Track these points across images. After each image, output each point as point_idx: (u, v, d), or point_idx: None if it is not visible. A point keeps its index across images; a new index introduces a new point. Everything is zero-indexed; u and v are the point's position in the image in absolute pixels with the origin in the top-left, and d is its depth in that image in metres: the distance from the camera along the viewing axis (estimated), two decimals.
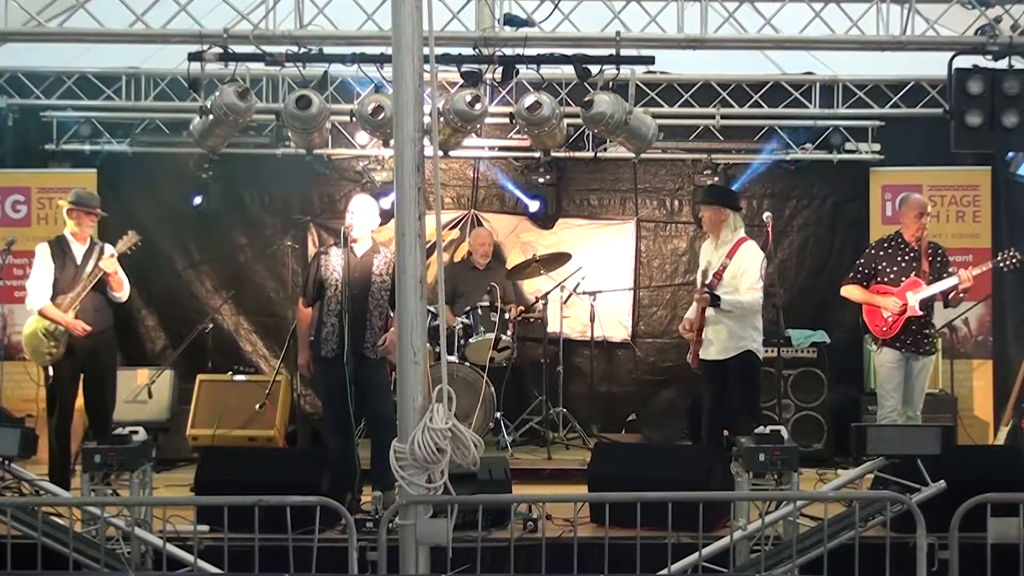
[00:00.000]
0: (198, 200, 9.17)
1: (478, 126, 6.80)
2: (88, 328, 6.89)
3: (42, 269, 7.02)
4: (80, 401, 7.18)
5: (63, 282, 6.97)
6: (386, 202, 7.52)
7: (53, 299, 6.94)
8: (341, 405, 6.42)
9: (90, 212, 7.08)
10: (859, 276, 7.15)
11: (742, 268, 6.80)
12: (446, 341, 5.21)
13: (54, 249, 7.04)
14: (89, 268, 6.99)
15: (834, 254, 9.41)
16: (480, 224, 9.50)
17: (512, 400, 8.73)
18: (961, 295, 6.91)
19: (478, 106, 6.46)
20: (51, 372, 7.02)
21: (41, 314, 6.94)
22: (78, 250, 7.05)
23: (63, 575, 4.97)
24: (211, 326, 9.07)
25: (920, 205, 7.10)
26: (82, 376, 7.08)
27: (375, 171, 9.08)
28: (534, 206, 9.46)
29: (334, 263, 6.67)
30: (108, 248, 7.14)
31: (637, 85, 7.27)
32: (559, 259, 8.91)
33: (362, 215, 6.69)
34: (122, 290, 7.16)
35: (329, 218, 9.43)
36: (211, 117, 6.59)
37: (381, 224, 6.96)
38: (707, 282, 6.88)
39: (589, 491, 6.42)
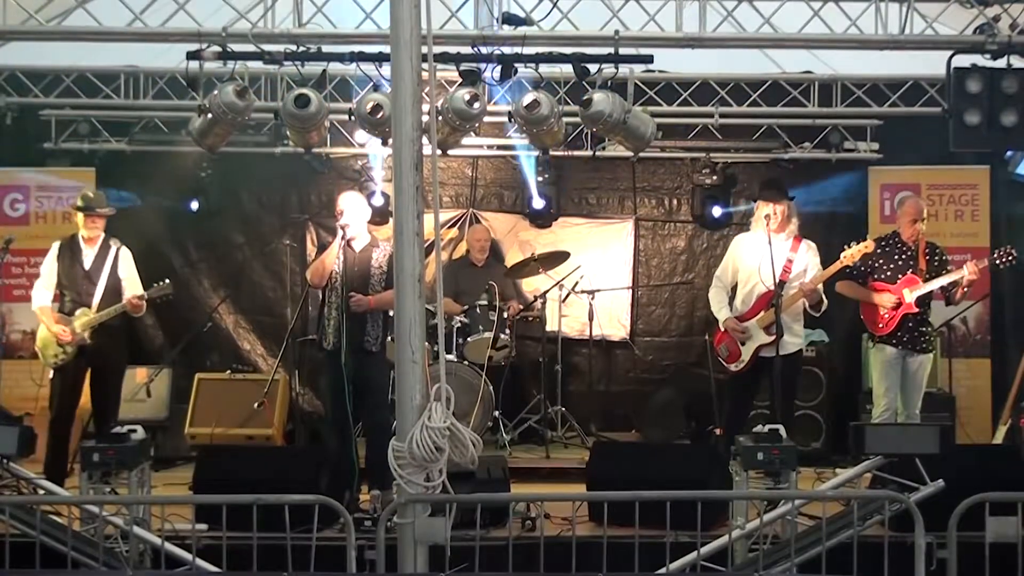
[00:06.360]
0: (195, 205, 9.17)
1: (476, 125, 6.80)
2: (71, 339, 6.91)
3: (44, 269, 7.09)
4: (83, 399, 7.17)
5: (72, 282, 7.00)
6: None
7: (70, 305, 6.98)
8: (342, 403, 6.41)
9: (96, 215, 7.09)
10: (855, 273, 7.15)
11: (813, 264, 6.97)
12: (444, 340, 5.18)
13: (63, 249, 7.09)
14: (106, 272, 7.02)
15: (832, 253, 9.37)
16: (477, 221, 9.50)
17: (510, 399, 8.71)
18: (966, 289, 6.89)
19: (476, 105, 6.46)
20: (52, 372, 7.03)
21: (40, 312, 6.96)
22: (88, 252, 7.08)
23: (62, 574, 4.97)
24: (209, 325, 9.06)
25: (915, 211, 7.06)
26: (89, 374, 7.09)
27: (373, 170, 9.07)
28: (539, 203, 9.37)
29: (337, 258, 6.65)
30: (124, 252, 7.17)
31: (636, 84, 7.26)
32: (558, 258, 8.89)
33: (353, 211, 6.68)
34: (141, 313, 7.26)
35: (327, 217, 9.37)
36: (210, 116, 6.58)
37: (382, 223, 6.94)
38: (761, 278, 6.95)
39: (587, 490, 6.40)
